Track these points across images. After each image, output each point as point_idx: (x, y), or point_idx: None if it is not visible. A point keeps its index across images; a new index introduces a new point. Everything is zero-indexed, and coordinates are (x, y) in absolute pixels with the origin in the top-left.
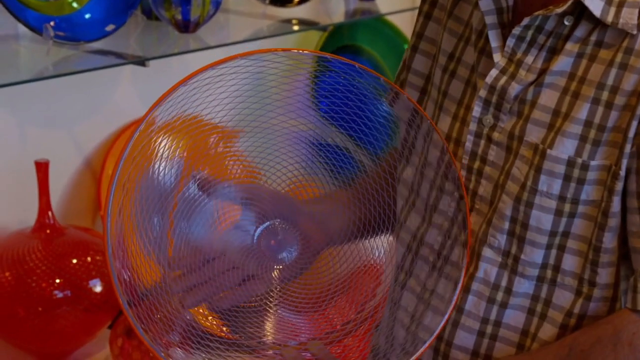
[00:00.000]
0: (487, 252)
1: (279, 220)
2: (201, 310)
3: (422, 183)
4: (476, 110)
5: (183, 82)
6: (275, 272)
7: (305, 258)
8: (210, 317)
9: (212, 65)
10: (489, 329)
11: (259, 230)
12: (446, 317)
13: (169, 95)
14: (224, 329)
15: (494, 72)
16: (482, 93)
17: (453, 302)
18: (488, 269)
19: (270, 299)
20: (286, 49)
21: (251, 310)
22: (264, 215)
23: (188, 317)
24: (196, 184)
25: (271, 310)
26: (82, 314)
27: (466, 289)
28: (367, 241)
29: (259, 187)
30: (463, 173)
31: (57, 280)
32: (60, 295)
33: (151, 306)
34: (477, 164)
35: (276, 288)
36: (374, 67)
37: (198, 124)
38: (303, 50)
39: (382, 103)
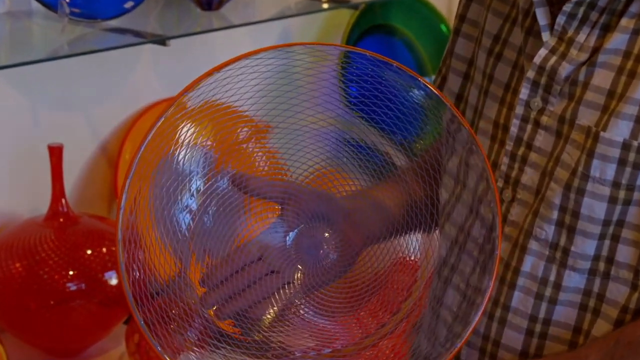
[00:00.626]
0: (533, 244)
1: (317, 220)
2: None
3: (468, 173)
4: (523, 92)
5: (224, 66)
6: (308, 277)
7: (345, 261)
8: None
9: (267, 49)
10: (538, 328)
11: (295, 231)
12: (481, 308)
13: (202, 80)
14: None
15: (542, 52)
16: (530, 74)
17: (487, 293)
18: (535, 262)
19: (301, 304)
20: (345, 45)
21: (280, 316)
22: (302, 216)
23: (207, 315)
24: (229, 180)
25: (301, 316)
26: (97, 308)
27: (511, 285)
28: (402, 237)
29: (295, 184)
30: (505, 160)
31: (71, 272)
32: (73, 288)
33: (168, 301)
34: (521, 150)
35: (311, 293)
36: (409, 50)
37: (226, 111)
38: (356, 50)
39: (416, 90)
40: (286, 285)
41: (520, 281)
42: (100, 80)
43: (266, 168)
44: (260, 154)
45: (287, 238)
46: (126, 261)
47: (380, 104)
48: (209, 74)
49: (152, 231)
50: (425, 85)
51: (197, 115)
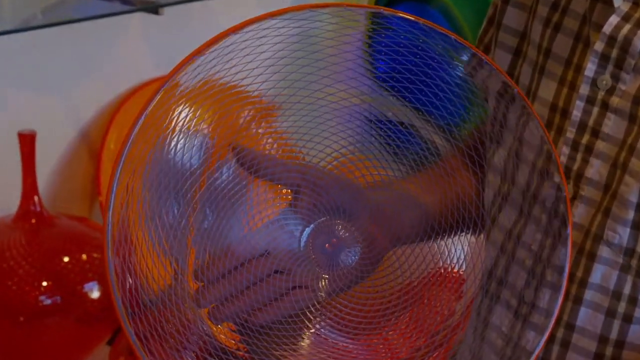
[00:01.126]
0: (603, 251)
1: (336, 214)
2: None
3: (518, 168)
4: (589, 68)
5: (223, 37)
6: (324, 282)
7: (366, 264)
8: (228, 334)
9: (277, 14)
10: (609, 351)
11: (311, 226)
12: (546, 334)
13: (201, 53)
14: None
15: (614, 20)
16: (598, 46)
17: (554, 315)
18: (606, 272)
19: (313, 316)
20: (374, 6)
21: (287, 329)
22: (319, 207)
23: (207, 329)
24: (235, 158)
25: (312, 330)
26: (75, 325)
27: (577, 300)
28: (443, 241)
29: (315, 169)
30: (566, 150)
31: (44, 283)
32: (48, 301)
33: (161, 317)
34: (586, 138)
35: (323, 301)
36: (447, 19)
37: (229, 92)
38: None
39: (456, 67)
40: (298, 290)
41: (588, 295)
42: (81, 55)
43: (277, 156)
44: (270, 140)
45: (300, 234)
46: (116, 264)
47: (415, 80)
48: (208, 44)
49: (144, 232)
50: (478, 54)
51: (196, 96)
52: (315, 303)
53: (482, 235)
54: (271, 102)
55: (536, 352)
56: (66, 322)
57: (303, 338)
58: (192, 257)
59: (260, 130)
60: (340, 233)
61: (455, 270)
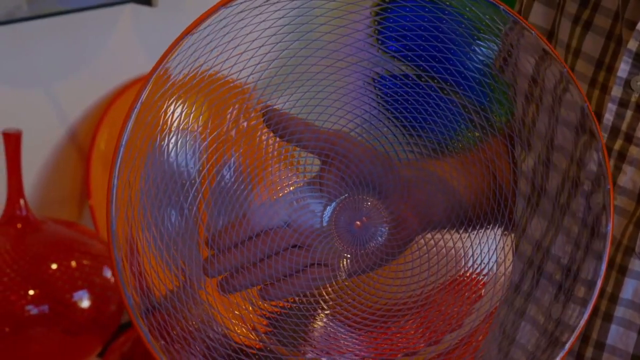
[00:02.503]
0: (636, 264)
1: (366, 189)
2: (245, 308)
3: (549, 175)
4: (623, 69)
5: (212, 11)
6: (345, 261)
7: (393, 246)
8: (254, 320)
9: None
10: None
11: (336, 201)
12: (566, 347)
13: (192, 32)
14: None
15: None
16: (632, 45)
17: (578, 329)
18: (638, 287)
19: (330, 297)
20: None
21: (299, 308)
22: (347, 181)
23: (215, 331)
24: (263, 118)
25: (322, 319)
26: (64, 336)
27: (607, 317)
28: (472, 234)
29: (347, 136)
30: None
31: (31, 292)
32: (34, 311)
33: (167, 320)
34: (618, 144)
35: (342, 282)
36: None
37: (221, 81)
38: None
39: (477, 52)
40: (316, 267)
41: (619, 312)
42: (68, 49)
43: (276, 146)
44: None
45: (324, 208)
46: (123, 257)
47: (436, 67)
48: (187, 31)
49: (145, 231)
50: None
51: (187, 90)
52: (334, 283)
53: (511, 237)
54: (263, 87)
55: None
56: (54, 333)
57: (314, 320)
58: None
59: (253, 124)
60: (369, 210)
61: (475, 275)
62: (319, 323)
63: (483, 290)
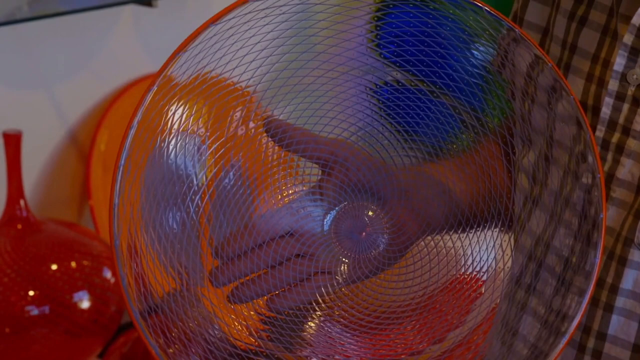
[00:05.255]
0: (635, 255)
1: (365, 195)
2: (252, 313)
3: (549, 170)
4: (618, 63)
5: (212, 20)
6: (344, 267)
7: (394, 251)
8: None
9: None
10: None
11: (336, 209)
12: (565, 338)
13: (198, 37)
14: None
15: None
16: (628, 39)
17: (576, 319)
18: (638, 277)
19: (326, 304)
20: None
21: (292, 318)
22: (346, 189)
23: (213, 333)
24: (264, 125)
25: (318, 318)
26: (64, 337)
27: (608, 308)
28: (470, 235)
29: (346, 145)
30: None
31: (31, 293)
32: (34, 312)
33: (166, 322)
34: (616, 137)
35: (339, 289)
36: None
37: (223, 88)
38: None
39: (475, 54)
40: (320, 275)
41: (620, 302)
42: (69, 50)
43: (276, 150)
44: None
45: (324, 216)
46: (127, 273)
47: (427, 71)
48: (207, 25)
49: (143, 233)
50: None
51: (188, 93)
52: (337, 290)
53: (509, 236)
54: (263, 90)
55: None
56: (54, 334)
57: (310, 324)
58: (208, 260)
59: (251, 124)
60: (369, 217)
61: (475, 274)
62: (316, 323)
63: (483, 288)
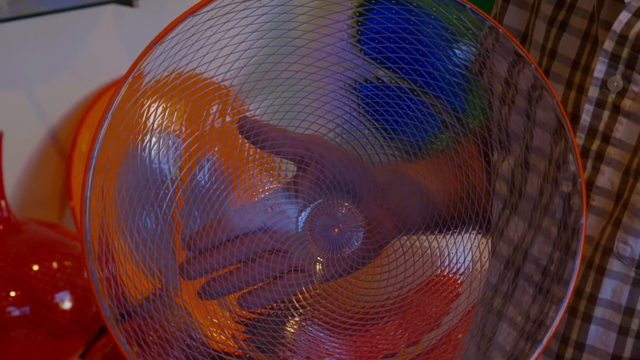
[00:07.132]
0: (614, 264)
1: (340, 192)
2: (226, 314)
3: (527, 177)
4: (599, 69)
5: (191, 11)
6: (320, 266)
7: (369, 250)
8: (233, 326)
9: None
10: None
11: (311, 206)
12: (541, 346)
13: (175, 28)
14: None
15: (624, 16)
16: (608, 45)
17: (553, 327)
18: (617, 287)
19: (301, 305)
20: None
21: (277, 314)
22: (322, 186)
23: (193, 337)
24: (238, 125)
25: (297, 319)
26: (46, 338)
27: (586, 317)
28: (446, 238)
29: (322, 141)
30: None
31: (12, 293)
32: (15, 313)
33: (143, 326)
34: (596, 145)
35: (316, 288)
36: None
37: (202, 83)
38: None
39: (457, 53)
40: (293, 273)
41: (598, 312)
42: (50, 50)
43: (283, 126)
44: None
45: (299, 213)
46: (99, 272)
47: (408, 69)
48: (179, 20)
49: (121, 237)
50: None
51: (162, 87)
52: (311, 288)
53: (487, 239)
54: (240, 86)
55: None
56: (36, 335)
57: (287, 326)
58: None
59: (228, 118)
60: (343, 215)
61: (452, 275)
62: (295, 327)
63: (460, 289)
